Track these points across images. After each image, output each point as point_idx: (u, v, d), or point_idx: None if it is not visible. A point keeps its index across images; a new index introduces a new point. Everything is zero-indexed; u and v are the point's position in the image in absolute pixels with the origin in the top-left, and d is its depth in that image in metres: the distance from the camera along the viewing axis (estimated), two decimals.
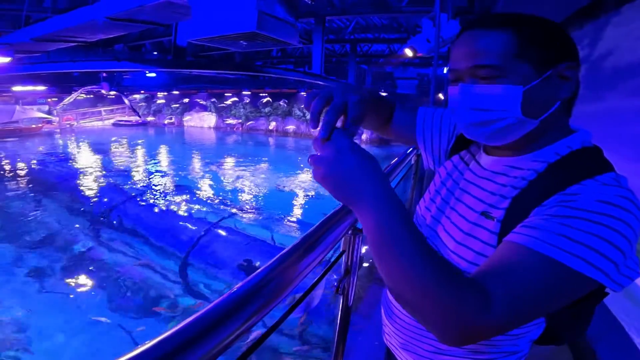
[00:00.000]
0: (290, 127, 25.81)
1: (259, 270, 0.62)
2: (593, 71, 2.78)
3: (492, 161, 0.77)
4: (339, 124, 0.67)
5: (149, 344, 0.44)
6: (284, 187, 15.27)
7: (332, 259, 1.03)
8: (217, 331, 0.50)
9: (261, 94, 27.67)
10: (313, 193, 14.61)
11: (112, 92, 30.61)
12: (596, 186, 0.61)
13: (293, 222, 11.97)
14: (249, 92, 28.27)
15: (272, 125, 26.66)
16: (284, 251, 0.69)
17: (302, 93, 26.16)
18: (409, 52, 8.20)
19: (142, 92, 31.66)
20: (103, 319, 7.14)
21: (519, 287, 0.56)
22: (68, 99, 28.13)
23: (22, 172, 16.47)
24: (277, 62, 25.79)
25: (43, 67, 17.11)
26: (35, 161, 18.07)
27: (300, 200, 14.00)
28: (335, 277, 1.06)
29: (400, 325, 0.88)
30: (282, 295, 0.64)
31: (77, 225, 11.35)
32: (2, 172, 16.50)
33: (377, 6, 13.76)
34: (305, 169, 17.53)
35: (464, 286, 0.55)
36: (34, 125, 24.67)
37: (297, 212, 12.89)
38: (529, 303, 0.57)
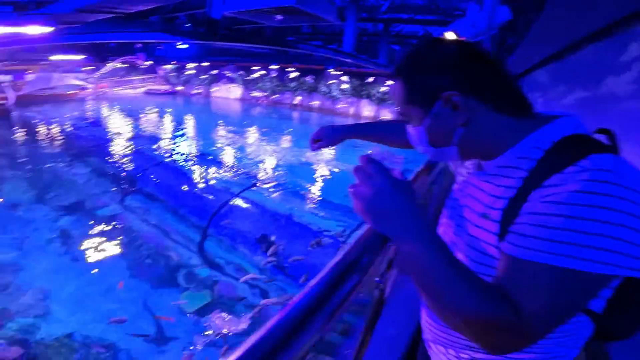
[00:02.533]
0: (315, 103, 24.95)
1: (323, 275, 0.66)
2: None
3: (487, 164, 0.78)
4: (381, 159, 0.69)
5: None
6: (306, 161, 14.62)
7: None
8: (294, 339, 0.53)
9: (288, 69, 26.97)
10: (335, 169, 13.95)
11: (147, 62, 30.55)
12: (574, 174, 0.59)
13: (313, 197, 11.41)
14: (277, 67, 27.60)
15: (298, 99, 25.88)
16: (347, 250, 0.76)
17: (330, 70, 25.17)
18: (450, 36, 7.43)
19: (174, 62, 31.37)
20: (121, 286, 6.96)
21: (539, 298, 0.58)
22: (106, 68, 28.17)
23: (57, 136, 16.47)
24: (307, 39, 24.80)
25: (82, 38, 16.80)
26: (69, 126, 18.08)
27: (320, 175, 13.31)
28: None
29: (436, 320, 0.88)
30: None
31: (105, 190, 11.18)
32: (38, 135, 16.57)
33: None
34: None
35: (499, 309, 0.58)
36: (69, 92, 24.75)
37: (317, 187, 12.27)
38: (553, 310, 0.59)
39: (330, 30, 24.35)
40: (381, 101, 23.01)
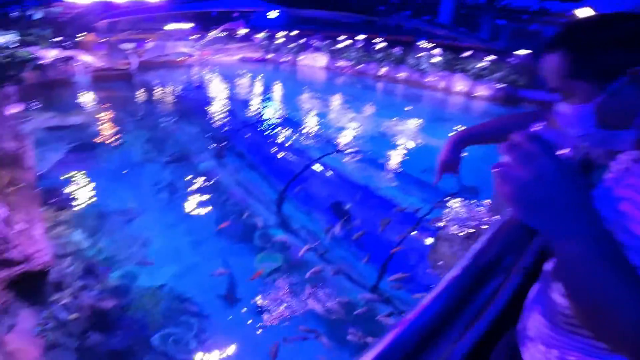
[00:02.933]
0: (402, 75, 23.42)
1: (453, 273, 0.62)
2: None
3: None
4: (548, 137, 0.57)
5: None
6: (388, 132, 13.90)
7: None
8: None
9: (375, 40, 25.68)
10: (418, 142, 13.03)
11: (245, 30, 31.84)
12: None
13: (392, 169, 10.82)
14: (363, 37, 26.49)
15: (383, 70, 24.58)
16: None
17: (421, 42, 23.23)
18: (586, 13, 5.97)
19: (265, 31, 32.14)
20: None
21: None
22: (208, 37, 30.04)
23: (168, 98, 18.22)
24: (397, 9, 23.17)
25: (189, 7, 17.90)
26: (178, 89, 19.83)
27: (402, 148, 12.54)
28: None
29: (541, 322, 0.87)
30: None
31: (204, 147, 12.07)
32: (153, 96, 18.52)
33: None
34: (412, 118, 15.68)
35: None
36: (179, 59, 27.12)
37: (397, 159, 11.60)
38: None
39: (421, 0, 22.29)
40: (478, 77, 20.68)
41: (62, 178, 9.12)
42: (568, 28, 0.74)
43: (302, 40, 30.49)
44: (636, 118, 0.66)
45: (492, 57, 20.57)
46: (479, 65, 20.67)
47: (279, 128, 13.85)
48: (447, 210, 9.05)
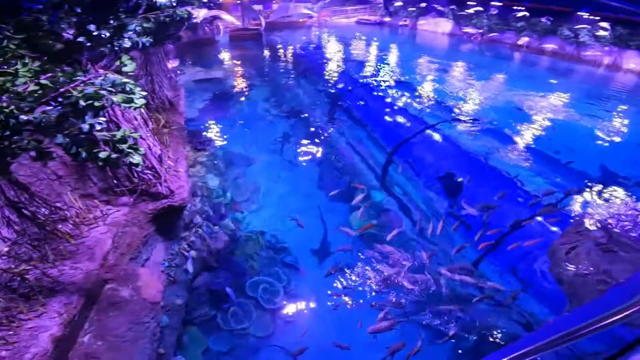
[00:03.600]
0: (550, 46, 18.91)
1: None
2: None
3: None
4: None
5: None
6: (521, 105, 11.46)
7: None
8: None
9: (515, 7, 21.08)
10: (561, 118, 10.43)
11: None
12: None
13: (519, 147, 8.88)
14: (500, 4, 22.00)
15: (523, 40, 20.27)
16: None
17: (582, 13, 18.17)
18: None
19: None
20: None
21: None
22: None
23: (290, 56, 18.49)
24: None
25: None
26: (299, 48, 19.92)
27: (537, 124, 10.21)
28: None
29: None
30: None
31: (318, 102, 11.98)
32: (278, 54, 19.00)
33: None
34: (558, 92, 12.55)
35: None
36: (301, 20, 27.26)
37: (530, 136, 9.49)
38: None
39: None
40: None
41: (204, 123, 10.12)
42: None
43: (423, 4, 27.09)
44: None
45: None
46: None
47: (393, 91, 12.72)
48: (583, 200, 7.12)
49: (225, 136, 9.59)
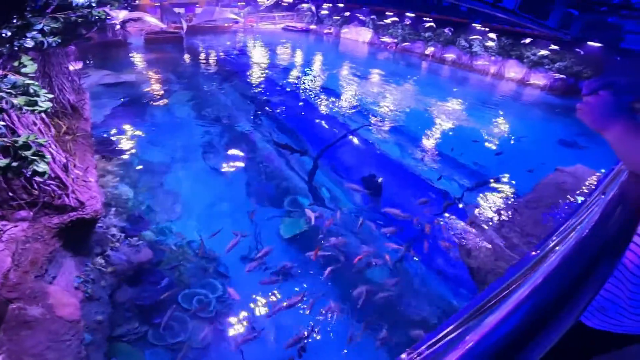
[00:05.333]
0: (450, 56, 21.98)
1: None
2: None
3: None
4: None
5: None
6: (428, 111, 13.31)
7: None
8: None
9: (425, 18, 24.13)
10: (458, 122, 12.38)
11: (307, 4, 30.89)
12: None
13: (428, 147, 10.43)
14: (412, 15, 24.97)
15: (430, 50, 23.22)
16: None
17: (476, 25, 21.52)
18: None
19: (307, 1, 31.16)
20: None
21: None
22: (268, 2, 29.57)
23: (213, 61, 18.43)
24: None
25: None
26: (223, 53, 19.97)
27: (441, 127, 12.02)
28: None
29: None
30: None
31: (243, 109, 12.20)
32: (200, 59, 18.78)
33: None
34: (455, 98, 14.84)
35: None
36: (226, 25, 27.16)
37: (434, 138, 11.14)
38: None
39: None
40: (535, 64, 19.04)
41: (114, 130, 9.67)
42: None
43: (347, 13, 29.30)
44: None
45: (555, 46, 18.87)
46: (540, 52, 19.01)
47: (317, 97, 13.67)
48: (482, 197, 8.73)
49: (140, 144, 9.26)
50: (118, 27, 17.85)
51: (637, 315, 1.12)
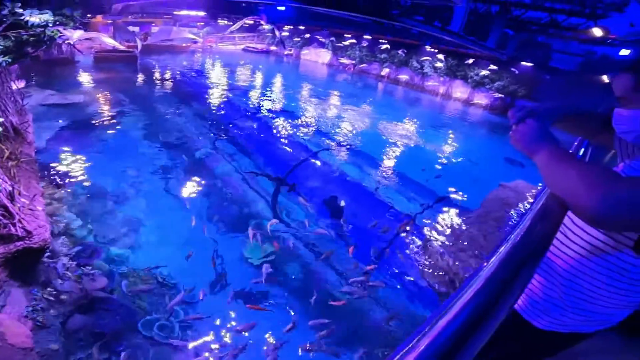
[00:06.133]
0: (404, 77, 23.59)
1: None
2: None
3: None
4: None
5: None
6: (385, 132, 14.10)
7: None
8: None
9: (380, 40, 25.85)
10: (412, 144, 13.20)
11: (268, 25, 31.48)
12: None
13: (386, 168, 11.00)
14: (369, 37, 26.66)
15: (385, 71, 24.76)
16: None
17: (426, 46, 23.42)
18: (597, 32, 6.29)
19: (271, 24, 32.05)
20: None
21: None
22: (234, 26, 29.76)
23: (169, 82, 18.16)
24: (406, 11, 23.19)
25: None
26: (180, 74, 19.77)
27: (397, 148, 12.81)
28: None
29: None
30: None
31: (202, 133, 12.11)
32: (155, 79, 18.42)
33: None
34: (409, 119, 15.86)
35: (609, 171, 0.90)
36: (184, 45, 27.03)
37: (392, 158, 11.82)
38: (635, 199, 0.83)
39: (432, 5, 22.34)
40: (478, 84, 20.90)
41: (59, 155, 9.14)
42: (638, 59, 1.33)
43: (307, 35, 30.47)
44: None
45: (494, 66, 20.83)
46: (482, 72, 20.89)
47: (278, 119, 13.95)
48: (437, 213, 9.33)
49: (89, 170, 8.78)
50: (67, 42, 17.10)
51: (575, 314, 1.22)
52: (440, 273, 6.54)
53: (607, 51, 18.25)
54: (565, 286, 1.20)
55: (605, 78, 17.03)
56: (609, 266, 1.09)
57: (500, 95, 20.11)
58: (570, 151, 1.04)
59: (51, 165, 8.54)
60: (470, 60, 21.79)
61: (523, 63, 20.69)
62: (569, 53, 21.76)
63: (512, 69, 20.65)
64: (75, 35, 16.03)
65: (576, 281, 1.17)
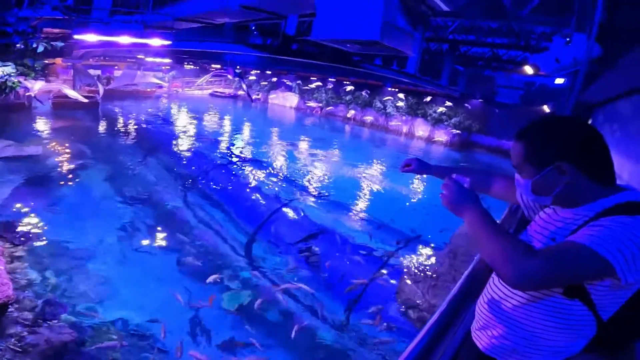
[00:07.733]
0: (369, 118, 25.33)
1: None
2: None
3: (564, 210, 1.17)
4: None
5: None
6: (355, 176, 14.98)
7: None
8: None
9: (345, 82, 27.79)
10: (381, 187, 14.20)
11: (235, 78, 32.47)
12: (617, 217, 0.99)
13: (359, 213, 11.76)
14: (334, 79, 28.55)
15: (351, 113, 26.46)
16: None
17: (389, 88, 25.55)
18: (529, 70, 7.57)
19: (237, 68, 33.56)
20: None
21: (556, 252, 1.00)
22: (202, 79, 30.52)
23: (134, 129, 18.41)
24: (365, 57, 25.35)
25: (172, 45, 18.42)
26: (144, 121, 20.07)
27: (368, 192, 13.62)
28: None
29: (482, 314, 1.36)
30: None
31: (170, 185, 12.23)
32: (119, 128, 18.61)
33: (492, 11, 12.68)
34: (376, 161, 17.05)
35: (521, 247, 1.04)
36: (149, 89, 27.29)
37: (364, 203, 12.58)
38: (561, 264, 0.97)
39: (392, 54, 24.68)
40: (437, 122, 22.79)
41: (18, 211, 9.10)
42: (529, 125, 1.14)
43: (274, 79, 32.10)
44: (554, 192, 1.11)
45: (449, 103, 22.74)
46: (439, 110, 22.81)
47: (248, 169, 14.55)
48: (410, 253, 10.05)
49: (50, 227, 8.73)
50: (28, 94, 17.03)
51: (537, 350, 1.20)
52: (420, 312, 7.14)
53: (544, 81, 19.93)
54: (517, 327, 1.23)
55: (545, 108, 19.09)
56: (546, 308, 1.14)
57: (457, 131, 21.92)
58: (489, 215, 1.13)
59: (9, 223, 8.52)
60: (428, 98, 23.68)
61: (472, 99, 22.77)
62: (511, 87, 24.03)
63: (466, 105, 22.57)
64: (37, 86, 16.25)
65: (524, 322, 1.20)
